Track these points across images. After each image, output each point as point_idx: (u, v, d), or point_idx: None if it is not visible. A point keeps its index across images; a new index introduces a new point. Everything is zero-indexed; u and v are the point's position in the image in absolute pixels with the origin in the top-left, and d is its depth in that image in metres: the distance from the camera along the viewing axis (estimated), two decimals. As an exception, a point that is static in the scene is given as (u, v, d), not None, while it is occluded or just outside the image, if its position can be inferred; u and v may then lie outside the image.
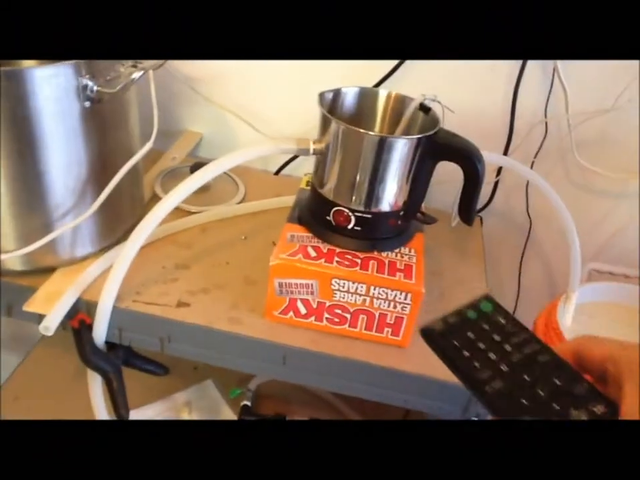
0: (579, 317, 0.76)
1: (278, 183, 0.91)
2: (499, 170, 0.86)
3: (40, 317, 0.60)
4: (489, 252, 0.94)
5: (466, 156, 0.58)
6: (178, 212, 0.77)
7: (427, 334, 0.41)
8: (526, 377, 0.38)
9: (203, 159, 0.88)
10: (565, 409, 0.36)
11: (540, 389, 0.37)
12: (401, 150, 0.58)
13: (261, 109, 0.91)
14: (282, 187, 0.86)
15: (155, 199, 0.79)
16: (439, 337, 0.41)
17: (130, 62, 0.61)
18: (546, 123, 0.82)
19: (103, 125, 0.62)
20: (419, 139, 0.58)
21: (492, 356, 0.39)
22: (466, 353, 0.39)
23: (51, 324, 0.59)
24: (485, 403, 0.38)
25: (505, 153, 0.84)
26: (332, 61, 0.83)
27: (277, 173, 0.94)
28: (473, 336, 0.40)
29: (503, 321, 0.41)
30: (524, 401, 0.37)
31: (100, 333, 0.63)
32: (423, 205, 0.69)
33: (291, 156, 0.92)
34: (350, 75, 0.84)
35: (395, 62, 0.80)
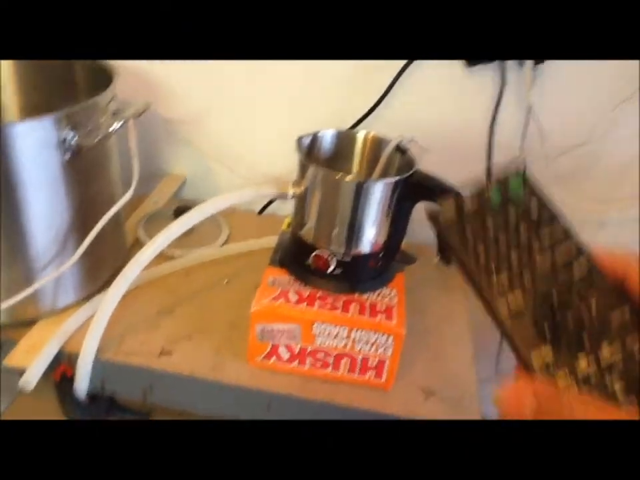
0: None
1: (262, 222, 0.91)
2: (480, 204, 0.87)
3: (21, 370, 0.59)
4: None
5: (444, 196, 0.58)
6: (161, 256, 0.76)
7: (435, 222, 0.33)
8: (553, 289, 0.29)
9: (186, 201, 0.88)
10: (595, 341, 0.28)
11: (567, 310, 0.29)
12: (377, 193, 0.58)
13: (242, 151, 0.91)
14: (266, 226, 0.86)
15: (138, 243, 0.79)
16: (446, 228, 0.32)
17: (110, 111, 0.62)
18: (524, 159, 0.83)
19: (83, 175, 0.62)
20: (396, 181, 0.58)
21: (514, 260, 0.30)
22: (481, 252, 0.31)
23: (31, 379, 0.58)
24: (494, 320, 0.30)
25: (485, 189, 0.85)
26: (312, 104, 0.85)
27: (261, 212, 0.95)
28: (492, 228, 0.31)
29: (535, 209, 0.32)
30: (545, 323, 0.29)
31: (82, 386, 0.62)
32: (404, 242, 0.70)
33: (273, 196, 0.92)
34: (329, 117, 0.85)
35: (373, 102, 0.82)
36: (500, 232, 0.31)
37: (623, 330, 0.28)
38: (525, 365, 0.29)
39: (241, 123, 0.89)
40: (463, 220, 0.32)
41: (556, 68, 0.77)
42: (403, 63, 0.79)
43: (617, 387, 0.27)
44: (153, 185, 0.93)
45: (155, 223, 0.84)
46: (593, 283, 0.30)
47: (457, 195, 0.33)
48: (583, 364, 0.28)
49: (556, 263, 0.30)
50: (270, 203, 0.93)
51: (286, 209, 0.93)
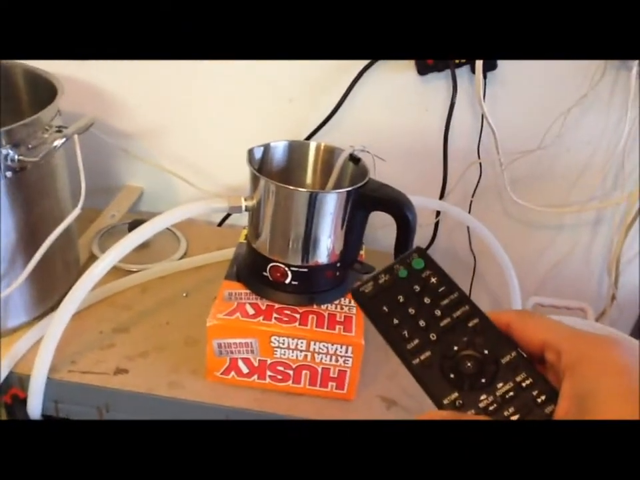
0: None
1: (221, 234, 0.90)
2: (439, 210, 0.88)
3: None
4: (437, 290, 0.95)
5: (395, 206, 0.59)
6: (117, 272, 0.75)
7: (357, 296, 0.39)
8: (454, 345, 0.36)
9: (143, 214, 0.87)
10: (491, 381, 0.35)
11: (467, 360, 0.36)
12: (330, 204, 0.58)
13: (200, 163, 0.90)
14: (225, 238, 0.85)
15: (93, 259, 0.77)
16: (368, 301, 0.39)
17: (54, 127, 0.61)
18: (480, 164, 0.84)
19: (28, 193, 0.60)
20: (348, 192, 0.58)
21: (421, 323, 0.37)
22: (395, 320, 0.38)
23: (-21, 403, 0.57)
24: (412, 374, 0.37)
25: (442, 195, 0.86)
26: (269, 115, 0.84)
27: (220, 224, 0.94)
28: (403, 299, 0.38)
29: (434, 280, 0.39)
30: (450, 373, 0.36)
31: (34, 408, 0.60)
32: (363, 250, 0.70)
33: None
34: (287, 128, 0.85)
35: (326, 113, 0.82)
36: (409, 304, 0.38)
37: (512, 370, 0.35)
38: (438, 406, 0.36)
39: (198, 134, 0.88)
40: (379, 294, 0.39)
41: (506, 74, 0.79)
42: (356, 73, 0.79)
43: (514, 417, 0.34)
44: (109, 199, 0.92)
45: (111, 237, 0.82)
46: (485, 336, 0.36)
47: (375, 275, 0.40)
48: (485, 401, 0.35)
49: (455, 324, 0.37)
50: (229, 214, 0.92)
51: (246, 220, 0.92)
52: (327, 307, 0.62)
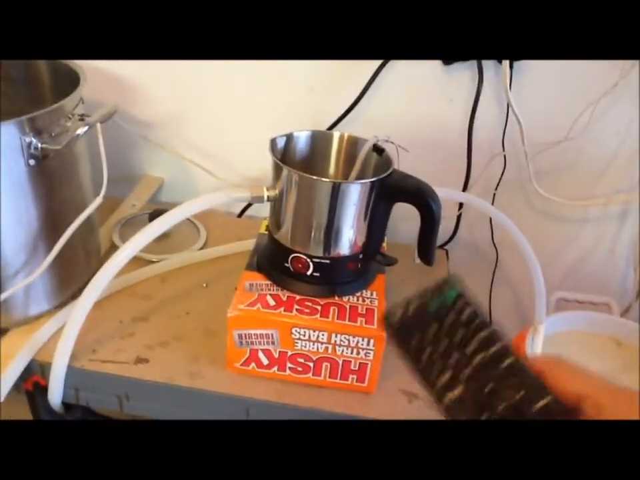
0: (550, 349, 0.75)
1: (241, 225, 0.90)
2: (461, 203, 0.86)
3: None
4: (458, 284, 0.94)
5: (420, 197, 0.57)
6: (137, 261, 0.75)
7: (389, 324, 0.38)
8: (487, 384, 0.35)
9: (164, 204, 0.87)
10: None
11: (499, 399, 0.35)
12: (354, 194, 0.57)
13: (220, 153, 0.90)
14: (245, 229, 0.85)
15: (113, 248, 0.77)
16: (400, 330, 0.38)
17: (77, 115, 0.60)
18: (504, 156, 0.82)
19: (51, 181, 0.60)
20: (372, 182, 0.57)
21: (454, 357, 0.36)
22: (427, 353, 0.36)
23: (2, 389, 0.57)
24: (442, 411, 0.36)
25: (465, 187, 0.84)
26: (290, 105, 0.83)
27: (240, 215, 0.93)
28: (435, 331, 0.37)
29: (467, 312, 0.37)
30: (482, 413, 0.35)
31: (55, 395, 0.60)
32: (385, 242, 0.69)
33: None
34: (308, 118, 0.84)
35: (349, 103, 0.80)
36: (441, 335, 0.37)
37: (545, 417, 0.34)
38: None
39: (219, 124, 0.88)
40: (410, 323, 0.37)
41: (534, 64, 0.77)
42: (379, 63, 0.78)
43: None
44: (130, 188, 0.92)
45: (131, 227, 0.82)
46: (519, 378, 0.35)
47: (406, 303, 0.38)
48: None
49: (489, 362, 0.36)
50: (249, 205, 0.92)
51: (266, 211, 0.91)
52: (349, 299, 0.61)
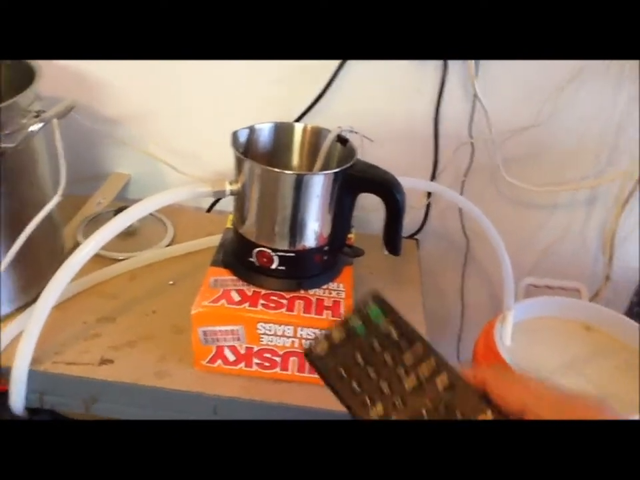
0: (519, 335, 0.75)
1: (209, 220, 0.89)
2: (429, 192, 0.86)
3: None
4: (430, 273, 0.94)
5: (383, 187, 0.57)
6: (102, 260, 0.74)
7: (310, 358, 0.36)
8: (422, 409, 0.34)
9: (131, 201, 0.84)
10: None
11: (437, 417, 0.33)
12: (317, 186, 0.56)
13: (187, 148, 0.89)
14: (213, 225, 0.84)
15: (77, 247, 0.76)
16: (321, 363, 0.35)
17: (33, 112, 0.59)
18: (472, 144, 0.82)
19: (8, 179, 0.59)
20: (335, 173, 0.57)
21: (384, 388, 0.34)
22: (354, 384, 0.34)
23: (-39, 396, 0.55)
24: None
25: (433, 176, 0.84)
26: (255, 100, 0.82)
27: (209, 209, 0.92)
28: (361, 359, 0.35)
29: (395, 334, 0.36)
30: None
31: (17, 400, 0.59)
32: (353, 234, 0.68)
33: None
34: (273, 113, 0.83)
35: (314, 95, 0.80)
36: (368, 363, 0.35)
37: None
38: None
39: (186, 119, 0.86)
40: (334, 352, 0.35)
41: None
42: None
43: None
44: (96, 186, 0.90)
45: (96, 225, 0.80)
46: (456, 393, 0.34)
47: (328, 332, 0.36)
48: None
49: (421, 381, 0.34)
50: (218, 200, 0.91)
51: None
52: (315, 292, 0.61)
